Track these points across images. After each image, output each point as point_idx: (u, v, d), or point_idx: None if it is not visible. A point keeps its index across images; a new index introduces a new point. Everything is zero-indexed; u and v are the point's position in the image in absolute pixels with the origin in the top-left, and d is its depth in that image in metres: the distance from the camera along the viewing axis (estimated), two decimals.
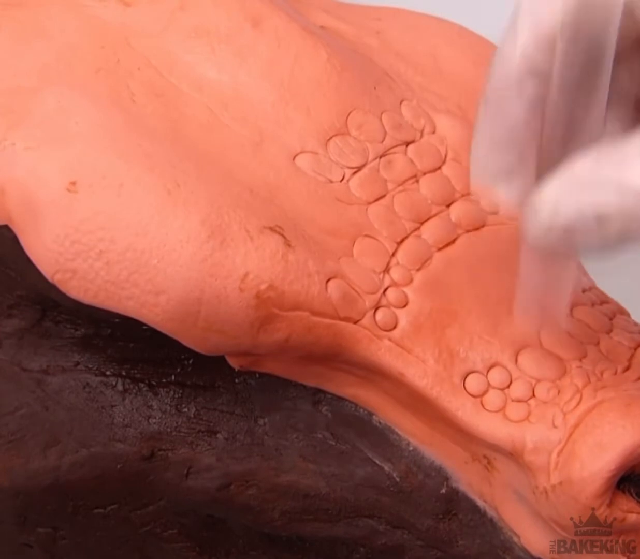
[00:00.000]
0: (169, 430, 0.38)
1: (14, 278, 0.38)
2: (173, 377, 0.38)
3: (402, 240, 0.37)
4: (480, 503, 0.37)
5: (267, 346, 0.34)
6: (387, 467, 0.37)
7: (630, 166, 0.29)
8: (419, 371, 0.35)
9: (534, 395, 0.35)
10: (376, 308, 0.35)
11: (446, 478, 0.37)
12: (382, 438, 0.37)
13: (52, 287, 0.34)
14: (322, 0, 0.46)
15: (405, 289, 0.36)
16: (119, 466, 0.38)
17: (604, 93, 0.31)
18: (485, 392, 0.35)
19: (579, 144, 0.32)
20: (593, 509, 0.33)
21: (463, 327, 0.36)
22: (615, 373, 0.35)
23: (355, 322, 0.35)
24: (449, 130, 0.39)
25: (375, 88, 0.39)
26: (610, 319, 0.37)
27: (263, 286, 0.34)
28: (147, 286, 0.33)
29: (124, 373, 0.38)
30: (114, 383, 0.38)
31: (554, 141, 0.32)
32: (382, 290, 0.36)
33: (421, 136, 0.39)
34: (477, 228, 0.38)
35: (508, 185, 0.32)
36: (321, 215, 0.36)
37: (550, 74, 0.31)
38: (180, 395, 0.38)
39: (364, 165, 0.38)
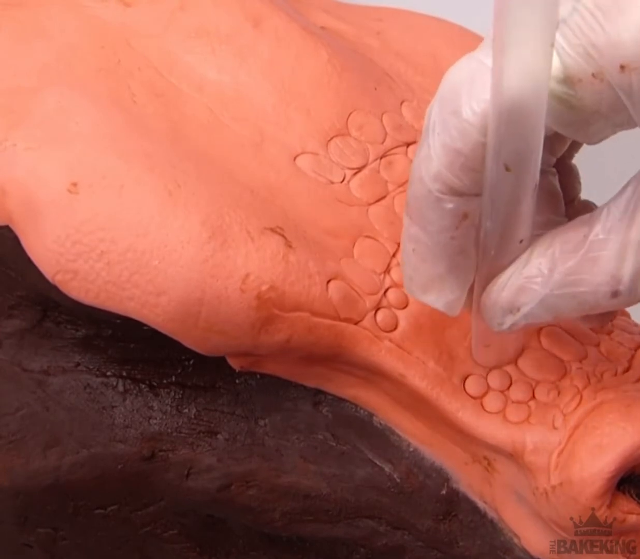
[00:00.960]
0: (169, 430, 0.38)
1: (15, 278, 0.38)
2: (174, 378, 0.38)
3: None
4: (480, 504, 0.37)
5: (268, 347, 0.34)
6: (387, 468, 0.37)
7: (585, 264, 0.29)
8: (419, 372, 0.35)
9: (534, 397, 0.35)
10: (377, 309, 0.35)
11: (446, 479, 0.37)
12: (382, 439, 0.37)
13: (53, 288, 0.34)
14: (322, 0, 0.46)
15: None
16: (119, 467, 0.38)
17: (532, 200, 0.30)
18: (485, 394, 0.35)
19: (512, 250, 0.31)
20: (593, 509, 0.33)
21: (463, 328, 0.36)
22: (616, 375, 0.35)
23: (356, 323, 0.35)
24: None
25: (375, 88, 0.39)
26: (611, 320, 0.37)
27: (264, 287, 0.34)
28: (147, 287, 0.33)
29: (124, 373, 0.38)
30: (114, 383, 0.38)
31: (493, 237, 0.31)
32: (382, 291, 0.36)
33: None
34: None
35: (439, 293, 0.32)
36: (322, 216, 0.36)
37: (471, 190, 0.29)
38: (180, 395, 0.38)
39: (364, 166, 0.38)
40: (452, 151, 0.29)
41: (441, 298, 0.32)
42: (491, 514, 0.37)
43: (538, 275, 0.30)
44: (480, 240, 0.31)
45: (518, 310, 0.31)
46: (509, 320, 0.31)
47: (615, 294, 0.29)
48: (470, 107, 0.28)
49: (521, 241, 0.30)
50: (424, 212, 0.30)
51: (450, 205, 0.30)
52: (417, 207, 0.30)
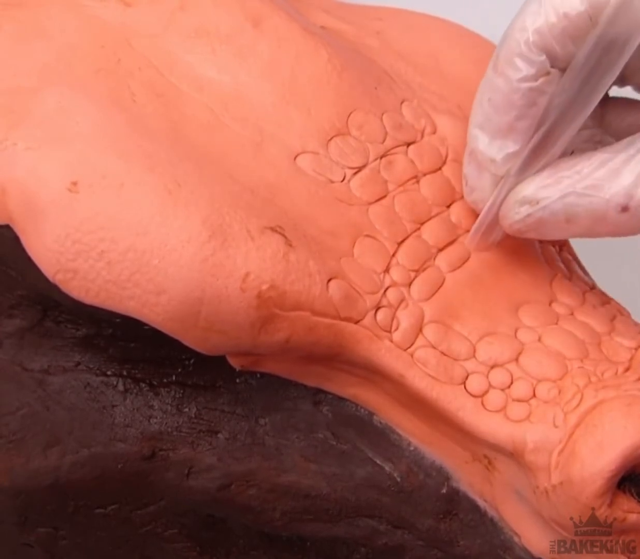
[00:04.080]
0: (169, 429, 0.38)
1: (15, 278, 0.38)
2: (174, 377, 0.38)
3: (403, 241, 0.37)
4: (480, 502, 0.37)
5: (268, 346, 0.34)
6: (387, 467, 0.37)
7: (606, 173, 0.33)
8: (419, 372, 0.35)
9: (534, 395, 0.35)
10: (377, 309, 0.35)
11: (447, 478, 0.37)
12: (382, 438, 0.37)
13: (53, 287, 0.34)
14: (323, 0, 0.46)
15: (406, 289, 0.36)
16: (119, 466, 0.38)
17: (596, 101, 0.33)
18: (486, 392, 0.35)
19: (559, 147, 0.34)
20: (593, 509, 0.33)
21: (464, 328, 0.36)
22: (616, 374, 0.35)
23: (356, 322, 0.35)
24: (450, 130, 0.39)
25: (376, 88, 0.39)
26: (611, 320, 0.37)
27: (264, 287, 0.34)
28: (148, 286, 0.33)
29: (125, 373, 0.38)
30: (114, 383, 0.38)
31: (539, 139, 0.34)
32: (382, 290, 0.36)
33: (422, 136, 0.39)
34: None
35: (502, 143, 0.35)
36: (322, 215, 0.36)
37: (561, 56, 0.33)
38: (181, 394, 0.38)
39: (364, 166, 0.38)
40: (560, 13, 0.32)
41: (503, 149, 0.35)
42: (491, 513, 0.37)
43: (569, 175, 0.34)
44: (540, 118, 0.34)
45: (537, 202, 0.34)
46: (525, 211, 0.34)
47: (625, 209, 0.33)
48: None
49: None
50: (514, 59, 0.34)
51: (540, 58, 0.33)
52: (509, 56, 0.34)
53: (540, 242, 0.39)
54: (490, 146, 0.35)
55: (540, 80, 0.34)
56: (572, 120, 0.34)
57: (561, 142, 0.34)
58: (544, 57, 0.33)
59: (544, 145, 0.34)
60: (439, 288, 0.37)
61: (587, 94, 0.33)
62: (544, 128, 0.34)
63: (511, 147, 0.35)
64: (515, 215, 0.35)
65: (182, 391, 0.38)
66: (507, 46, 0.34)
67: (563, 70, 0.33)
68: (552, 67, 0.34)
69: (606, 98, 0.37)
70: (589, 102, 0.33)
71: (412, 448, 0.37)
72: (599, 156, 0.34)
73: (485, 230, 0.37)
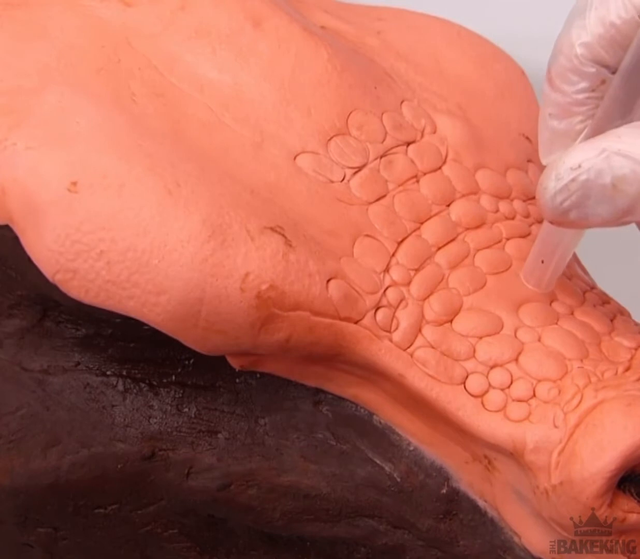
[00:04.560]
0: (169, 429, 0.38)
1: (15, 278, 0.38)
2: (174, 377, 0.38)
3: (403, 240, 0.37)
4: (481, 503, 0.37)
5: (268, 346, 0.34)
6: (387, 467, 0.37)
7: None
8: (419, 372, 0.35)
9: (534, 395, 0.35)
10: (377, 308, 0.35)
11: (447, 478, 0.37)
12: (382, 438, 0.37)
13: (53, 287, 0.34)
14: (323, 0, 0.46)
15: (406, 289, 0.36)
16: (119, 466, 0.37)
17: None
18: (485, 392, 0.35)
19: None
20: (593, 509, 0.33)
21: (464, 327, 0.36)
22: (616, 374, 0.35)
23: (356, 322, 0.35)
24: (450, 130, 0.39)
25: (376, 88, 0.39)
26: (611, 319, 0.37)
27: (264, 287, 0.34)
28: (147, 286, 0.33)
29: (124, 373, 0.38)
30: (114, 383, 0.38)
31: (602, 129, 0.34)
32: (382, 290, 0.36)
33: (422, 136, 0.39)
34: (477, 227, 0.38)
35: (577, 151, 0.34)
36: (322, 215, 0.36)
37: (612, 64, 0.33)
38: (181, 394, 0.38)
39: (364, 165, 0.38)
40: (607, 24, 0.32)
41: (580, 154, 0.33)
42: (491, 513, 0.37)
43: (611, 139, 0.33)
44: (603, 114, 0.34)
45: (579, 166, 0.33)
46: (567, 175, 0.33)
47: None
48: None
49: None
50: (567, 75, 0.34)
51: (592, 70, 0.33)
52: (561, 71, 0.34)
53: None
54: (570, 156, 0.34)
55: (597, 89, 0.34)
56: (618, 121, 0.33)
57: None
58: (595, 69, 0.33)
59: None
60: (438, 285, 0.36)
61: (633, 96, 0.33)
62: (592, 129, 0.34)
63: (589, 152, 0.34)
64: (557, 182, 0.33)
65: (181, 391, 0.38)
66: (558, 62, 0.34)
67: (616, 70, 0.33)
68: (607, 74, 0.33)
69: None
70: (634, 104, 0.33)
71: (412, 448, 0.37)
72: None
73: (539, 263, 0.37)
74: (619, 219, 0.33)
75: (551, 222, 0.34)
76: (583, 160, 0.33)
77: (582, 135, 0.35)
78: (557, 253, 0.36)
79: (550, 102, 0.35)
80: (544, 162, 0.36)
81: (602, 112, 0.34)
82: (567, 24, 0.34)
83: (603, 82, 0.33)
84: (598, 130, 0.34)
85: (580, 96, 0.34)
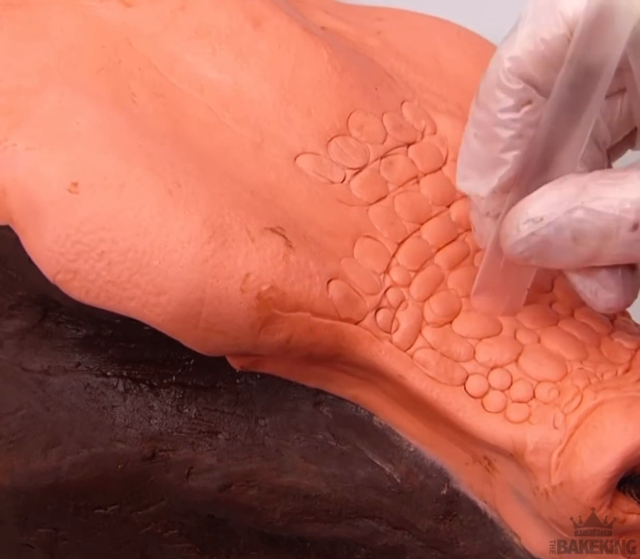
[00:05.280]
0: (170, 430, 0.38)
1: (15, 278, 0.38)
2: (174, 378, 0.38)
3: (403, 241, 0.37)
4: (480, 503, 0.37)
5: (268, 347, 0.35)
6: (387, 468, 0.37)
7: (615, 189, 0.31)
8: (419, 373, 0.35)
9: (534, 396, 0.35)
10: (377, 309, 0.35)
11: (447, 479, 0.37)
12: (382, 439, 0.37)
13: (54, 288, 0.34)
14: (323, 0, 0.45)
15: (406, 290, 0.36)
16: (120, 467, 0.38)
17: (587, 127, 0.32)
18: (485, 393, 0.35)
19: (553, 174, 0.33)
20: (593, 509, 0.33)
21: (464, 329, 0.36)
22: (616, 375, 0.35)
23: (356, 323, 0.35)
24: (450, 130, 0.39)
25: (376, 89, 0.39)
26: (611, 321, 0.37)
27: (264, 287, 0.34)
28: (148, 287, 0.33)
29: (125, 373, 0.38)
30: (115, 383, 0.38)
31: (530, 168, 0.33)
32: (382, 291, 0.36)
33: (422, 137, 0.39)
34: None
35: (491, 177, 0.34)
36: (322, 215, 0.36)
37: (541, 85, 0.32)
38: (181, 395, 0.38)
39: (364, 166, 0.38)
40: (537, 39, 0.31)
41: (490, 183, 0.34)
42: (491, 514, 0.37)
43: (576, 191, 0.31)
44: (529, 147, 0.33)
45: (541, 219, 0.32)
46: (527, 228, 0.32)
47: (636, 226, 0.31)
48: (569, 3, 0.30)
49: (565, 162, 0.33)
50: (493, 90, 0.32)
51: (518, 86, 0.32)
52: (488, 87, 0.33)
53: None
54: (480, 183, 0.34)
55: (523, 110, 0.32)
56: (560, 149, 0.32)
57: (554, 172, 0.33)
58: (522, 85, 0.32)
59: (534, 177, 0.33)
60: (438, 286, 0.37)
61: (572, 122, 0.32)
62: (531, 159, 0.33)
63: (500, 180, 0.34)
64: (517, 233, 0.32)
65: (182, 392, 0.38)
66: (486, 79, 0.33)
67: (548, 98, 0.32)
68: (536, 95, 0.32)
69: None
70: (575, 129, 0.32)
71: (412, 449, 0.37)
72: (607, 173, 0.32)
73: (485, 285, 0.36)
74: (583, 265, 0.33)
75: (513, 261, 0.34)
76: (545, 213, 0.32)
77: (507, 169, 0.33)
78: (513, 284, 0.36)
79: (475, 122, 0.33)
80: (458, 186, 0.35)
81: (540, 142, 0.32)
82: (504, 40, 0.33)
83: (529, 102, 0.32)
84: (529, 166, 0.33)
85: (504, 116, 0.32)
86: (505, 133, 0.33)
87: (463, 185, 0.35)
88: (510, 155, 0.33)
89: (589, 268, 0.33)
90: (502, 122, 0.33)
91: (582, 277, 0.34)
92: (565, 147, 0.32)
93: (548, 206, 0.32)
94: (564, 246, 0.32)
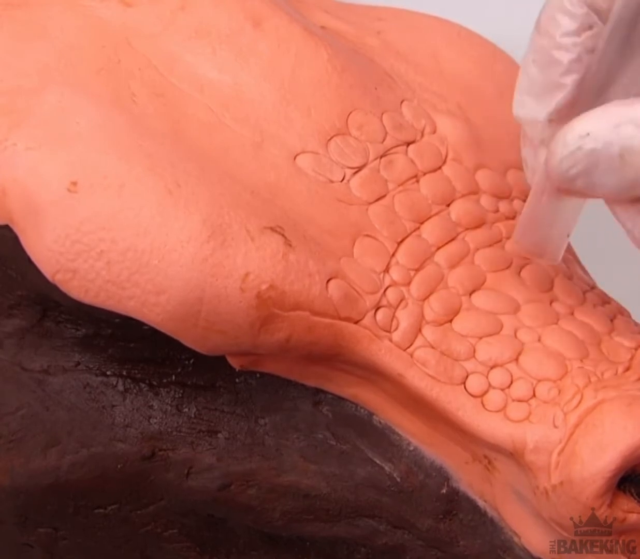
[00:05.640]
0: (169, 429, 0.38)
1: (15, 278, 0.38)
2: (174, 377, 0.38)
3: (402, 240, 0.37)
4: (480, 503, 0.37)
5: (268, 346, 0.34)
6: (387, 467, 0.37)
7: None
8: (419, 372, 0.35)
9: (534, 395, 0.35)
10: (377, 308, 0.35)
11: (447, 478, 0.37)
12: (382, 438, 0.37)
13: (53, 287, 0.34)
14: (323, 0, 0.46)
15: (405, 289, 0.36)
16: (119, 466, 0.38)
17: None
18: (485, 392, 0.35)
19: (612, 97, 0.33)
20: (593, 509, 0.33)
21: (464, 328, 0.36)
22: (616, 374, 0.35)
23: (356, 322, 0.35)
24: (450, 130, 0.39)
25: (376, 88, 0.39)
26: (612, 320, 0.37)
27: (264, 287, 0.34)
28: (147, 286, 0.33)
29: (124, 373, 0.38)
30: (114, 383, 0.38)
31: (584, 98, 0.33)
32: (382, 290, 0.36)
33: (422, 136, 0.39)
34: (477, 227, 0.38)
35: (549, 102, 0.34)
36: (322, 215, 0.36)
37: (601, 11, 0.33)
38: (180, 394, 0.38)
39: (364, 165, 0.38)
40: None
41: (590, 122, 0.32)
42: (491, 513, 0.37)
43: (623, 109, 0.31)
44: (585, 75, 0.33)
45: (588, 134, 0.31)
46: (575, 142, 0.31)
47: None
48: None
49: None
50: (555, 15, 0.33)
51: (582, 10, 0.33)
52: (550, 12, 0.33)
53: None
54: (537, 108, 0.34)
55: (584, 34, 0.33)
56: (614, 80, 0.33)
57: (608, 97, 0.33)
58: (585, 10, 0.33)
59: (587, 107, 0.32)
60: (438, 285, 0.36)
61: (626, 53, 0.32)
62: (586, 88, 0.33)
63: (557, 104, 0.34)
64: (564, 148, 0.32)
65: (181, 391, 0.38)
66: (549, 4, 0.33)
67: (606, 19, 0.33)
68: (596, 21, 0.33)
69: None
70: (630, 60, 0.32)
71: (412, 448, 0.37)
72: None
73: (531, 221, 0.35)
74: (627, 191, 0.32)
75: (558, 189, 0.33)
76: (592, 128, 0.31)
77: (565, 93, 0.34)
78: (558, 226, 0.35)
79: (534, 48, 0.34)
80: (515, 113, 0.35)
81: (598, 66, 0.33)
82: None
83: (590, 27, 0.33)
84: (583, 95, 0.33)
85: (566, 40, 0.33)
86: (566, 57, 0.33)
87: (520, 111, 0.35)
88: (569, 79, 0.34)
89: (634, 200, 0.33)
90: (563, 45, 0.33)
91: (624, 209, 0.33)
92: (619, 78, 0.33)
93: (596, 121, 0.31)
94: (610, 165, 0.31)
